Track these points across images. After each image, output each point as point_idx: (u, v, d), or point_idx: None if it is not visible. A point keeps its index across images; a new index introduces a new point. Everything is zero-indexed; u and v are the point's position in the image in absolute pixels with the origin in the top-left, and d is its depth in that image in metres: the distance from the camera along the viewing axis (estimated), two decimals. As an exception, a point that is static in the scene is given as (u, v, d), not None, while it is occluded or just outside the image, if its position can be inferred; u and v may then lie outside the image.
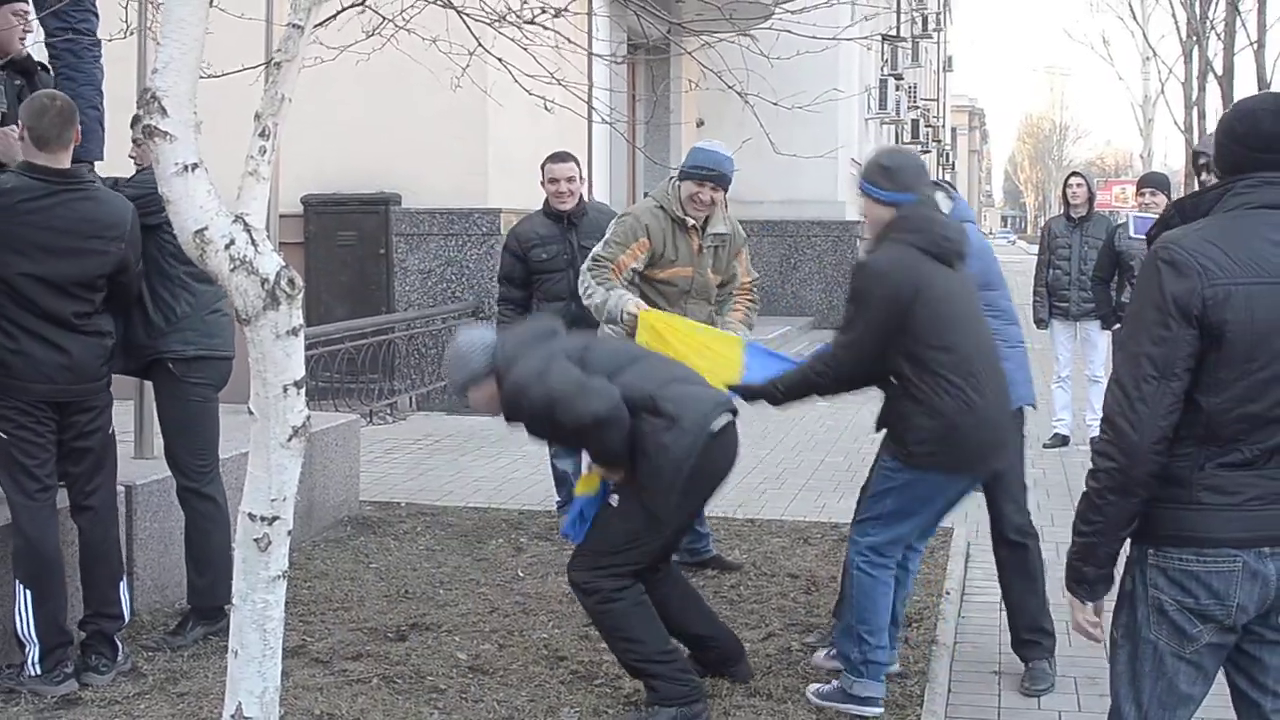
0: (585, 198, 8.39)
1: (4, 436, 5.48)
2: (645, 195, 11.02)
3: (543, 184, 8.26)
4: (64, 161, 5.48)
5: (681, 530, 5.58)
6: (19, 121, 5.53)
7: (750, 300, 7.34)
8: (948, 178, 57.73)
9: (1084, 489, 3.46)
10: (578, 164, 8.24)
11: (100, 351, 5.64)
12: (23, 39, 6.19)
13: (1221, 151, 3.48)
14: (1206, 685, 3.50)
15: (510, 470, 10.44)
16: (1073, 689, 5.85)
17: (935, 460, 5.23)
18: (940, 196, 5.78)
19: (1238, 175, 3.42)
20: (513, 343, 5.30)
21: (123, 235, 5.59)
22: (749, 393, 5.59)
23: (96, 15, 6.34)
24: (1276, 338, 3.28)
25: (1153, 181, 10.58)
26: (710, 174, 6.81)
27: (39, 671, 5.45)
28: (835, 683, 5.50)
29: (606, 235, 7.04)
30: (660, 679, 5.22)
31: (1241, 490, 3.33)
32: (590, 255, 6.99)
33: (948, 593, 6.97)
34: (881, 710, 5.38)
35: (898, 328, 5.08)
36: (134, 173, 6.12)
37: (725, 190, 6.91)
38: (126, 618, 5.81)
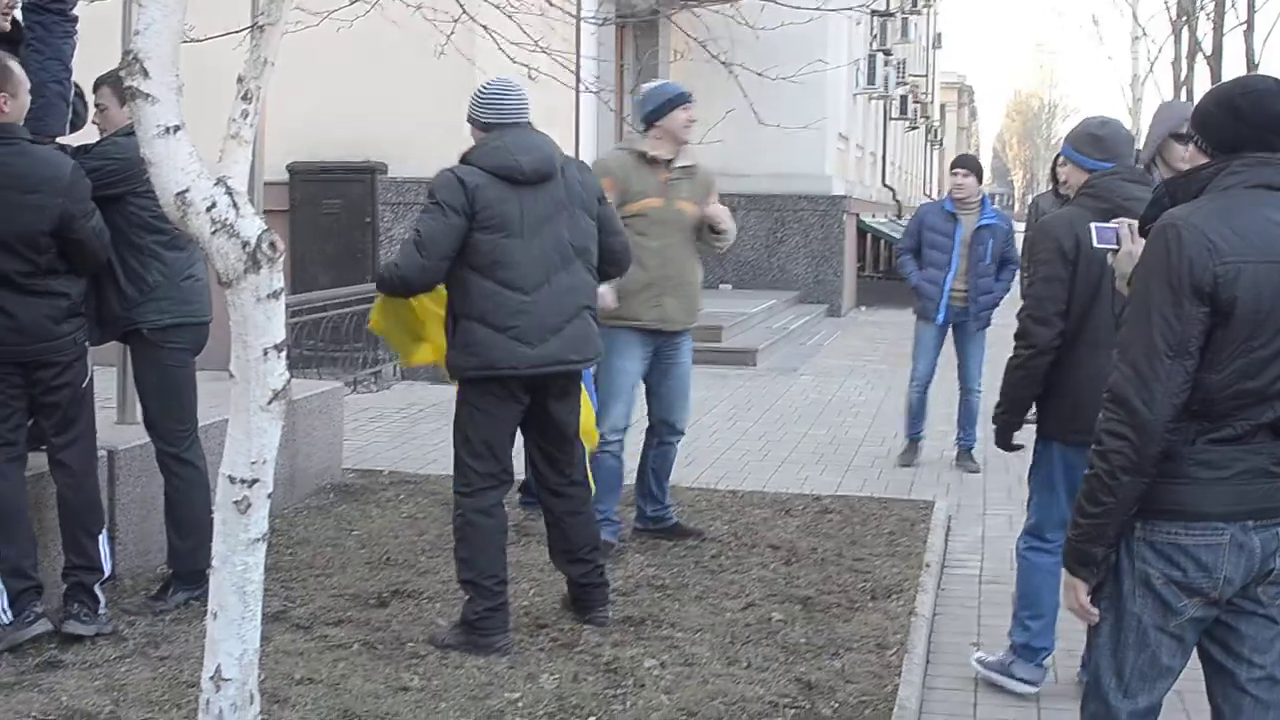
0: None
1: None
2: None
3: None
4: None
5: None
6: None
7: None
8: (936, 155, 57.59)
9: (1088, 470, 3.45)
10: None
11: (53, 312, 5.63)
12: (7, 13, 6.16)
13: (1218, 128, 3.46)
14: (1186, 657, 3.54)
15: (494, 440, 10.42)
16: (1049, 661, 5.88)
17: (1048, 428, 5.30)
18: None
19: (1233, 154, 3.41)
20: None
21: (61, 189, 5.54)
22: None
23: None
24: (1279, 316, 3.30)
25: (965, 163, 10.37)
26: (689, 96, 7.10)
27: (10, 619, 5.52)
28: (1000, 654, 5.63)
29: None
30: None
31: (1230, 465, 3.36)
32: None
33: (927, 565, 6.99)
34: (1035, 690, 5.49)
35: (1070, 282, 5.12)
36: (96, 140, 6.10)
37: None
38: (107, 570, 5.86)
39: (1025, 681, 5.52)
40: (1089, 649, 4.99)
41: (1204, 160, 3.49)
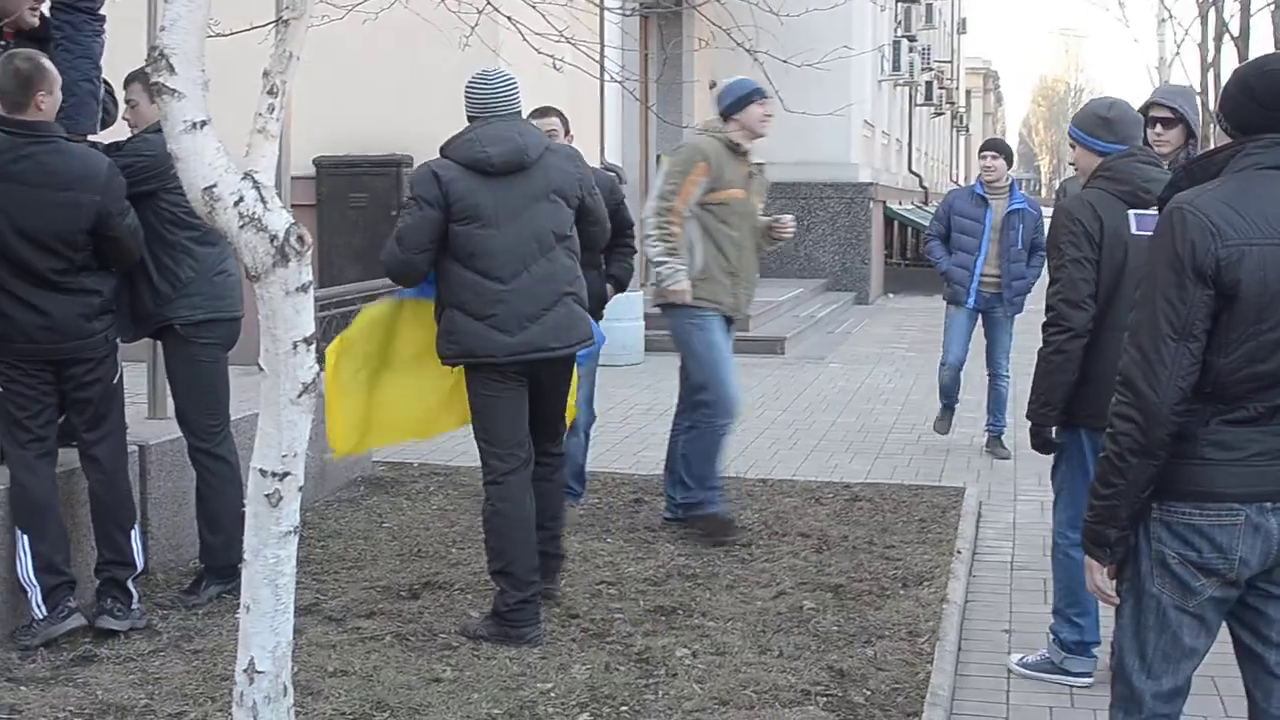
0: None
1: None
2: (659, 158, 11.15)
3: None
4: (30, 116, 5.55)
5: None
6: None
7: None
8: (962, 141, 57.41)
9: (1101, 452, 3.45)
10: (561, 118, 7.65)
11: (85, 310, 5.68)
12: (35, 8, 6.19)
13: (1235, 108, 3.46)
14: (1210, 638, 3.53)
15: (523, 431, 10.43)
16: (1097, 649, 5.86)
17: (1075, 416, 5.24)
18: None
19: (1250, 135, 3.41)
20: None
21: (96, 187, 5.60)
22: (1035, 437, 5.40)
23: None
24: None
25: (994, 145, 10.34)
26: (765, 92, 7.30)
27: (44, 613, 5.56)
28: (1043, 653, 5.60)
29: (664, 170, 7.33)
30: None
31: (1245, 446, 3.36)
32: (656, 196, 7.28)
33: (959, 552, 6.98)
34: (1092, 681, 5.45)
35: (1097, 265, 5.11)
36: (127, 138, 6.13)
37: None
38: (139, 565, 5.90)
39: (1082, 675, 5.50)
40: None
41: (1228, 141, 3.49)
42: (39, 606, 5.55)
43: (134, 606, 5.78)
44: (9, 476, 5.66)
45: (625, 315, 13.11)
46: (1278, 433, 3.38)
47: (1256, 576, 3.43)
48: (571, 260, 5.89)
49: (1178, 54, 39.85)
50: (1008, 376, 10.02)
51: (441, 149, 5.79)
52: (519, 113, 5.90)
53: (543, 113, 7.53)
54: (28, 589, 5.56)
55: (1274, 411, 3.36)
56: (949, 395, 10.25)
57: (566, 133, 7.52)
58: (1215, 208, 3.32)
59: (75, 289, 5.64)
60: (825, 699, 5.11)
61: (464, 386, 5.86)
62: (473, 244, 5.65)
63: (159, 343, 6.45)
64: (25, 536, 5.58)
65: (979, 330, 10.06)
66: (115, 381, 5.87)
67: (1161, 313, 3.33)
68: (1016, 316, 9.97)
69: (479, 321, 5.66)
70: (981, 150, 10.26)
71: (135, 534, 5.88)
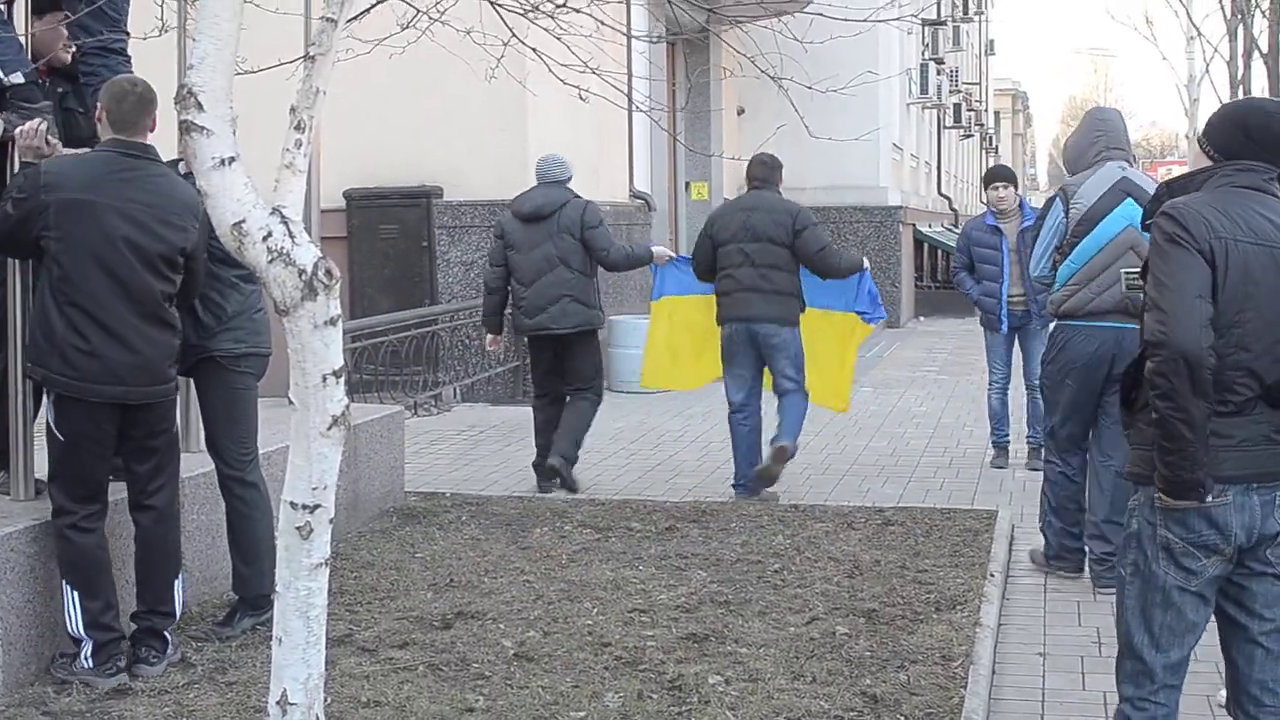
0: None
1: (61, 439, 5.51)
2: (687, 185, 11.13)
3: None
4: (142, 139, 5.60)
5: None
6: (98, 104, 5.64)
7: None
8: (991, 162, 57.29)
9: (1154, 415, 3.71)
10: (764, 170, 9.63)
11: (170, 351, 5.63)
12: (67, 47, 6.26)
13: (1225, 138, 3.96)
14: (1209, 611, 3.93)
15: (554, 460, 10.45)
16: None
17: None
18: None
19: (1229, 160, 3.92)
20: None
21: (197, 215, 5.53)
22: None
23: (128, 34, 6.40)
24: (1266, 294, 3.75)
25: (1002, 175, 10.52)
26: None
27: (91, 665, 5.49)
28: None
29: None
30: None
31: (1234, 434, 3.78)
32: None
33: (991, 575, 6.96)
34: None
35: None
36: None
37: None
38: (178, 614, 5.84)
39: None
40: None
41: (1208, 164, 3.98)
42: (87, 659, 5.46)
43: (168, 652, 5.74)
44: (57, 530, 5.53)
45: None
46: (1259, 420, 3.78)
47: (1243, 554, 3.83)
48: (571, 274, 9.22)
49: (1207, 72, 39.60)
50: None
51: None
52: (556, 180, 9.32)
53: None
54: (79, 644, 5.47)
55: (1253, 401, 3.77)
56: (998, 425, 10.44)
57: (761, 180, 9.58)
58: (1201, 208, 3.80)
59: (168, 322, 5.61)
60: (859, 725, 5.10)
61: (710, 351, 9.21)
62: (511, 263, 9.33)
63: (190, 379, 6.48)
64: (76, 593, 5.47)
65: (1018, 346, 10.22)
66: (175, 430, 5.89)
67: (1162, 283, 3.76)
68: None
69: (517, 310, 9.31)
70: (991, 182, 10.44)
71: (179, 584, 5.82)
